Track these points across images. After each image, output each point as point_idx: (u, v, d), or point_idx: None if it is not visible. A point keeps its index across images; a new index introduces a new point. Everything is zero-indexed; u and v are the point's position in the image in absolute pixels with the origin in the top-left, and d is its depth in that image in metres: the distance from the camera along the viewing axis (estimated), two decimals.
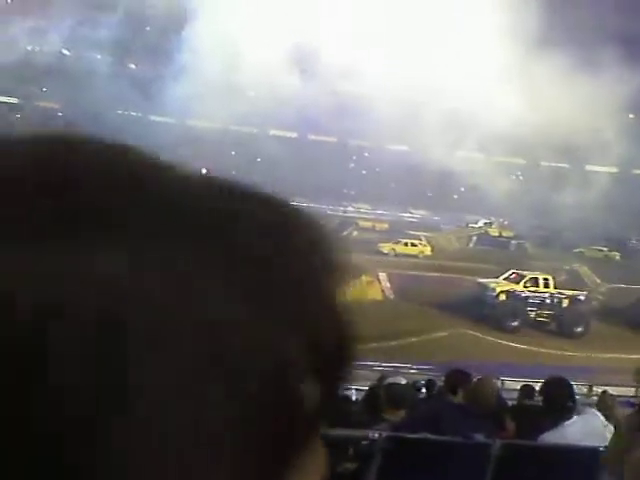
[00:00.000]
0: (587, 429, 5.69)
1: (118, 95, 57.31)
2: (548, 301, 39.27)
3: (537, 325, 38.92)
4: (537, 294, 39.28)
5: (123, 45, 60.33)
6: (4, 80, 56.30)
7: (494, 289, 39.26)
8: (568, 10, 53.19)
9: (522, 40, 52.33)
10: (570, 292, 39.93)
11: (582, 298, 39.88)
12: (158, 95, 57.87)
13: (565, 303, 39.39)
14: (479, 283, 40.41)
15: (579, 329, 38.42)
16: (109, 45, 59.94)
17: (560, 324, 38.48)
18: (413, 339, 34.11)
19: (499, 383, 20.67)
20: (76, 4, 57.65)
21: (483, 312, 37.57)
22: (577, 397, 6.33)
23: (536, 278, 40.01)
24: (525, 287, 39.37)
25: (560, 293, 39.64)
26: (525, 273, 40.98)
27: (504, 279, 40.33)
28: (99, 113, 56.30)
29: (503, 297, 39.00)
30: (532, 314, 39.20)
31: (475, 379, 6.19)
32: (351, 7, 58.40)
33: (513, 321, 37.87)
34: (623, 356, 32.94)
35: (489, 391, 6.00)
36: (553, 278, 40.77)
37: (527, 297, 39.08)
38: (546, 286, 39.68)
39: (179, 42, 61.32)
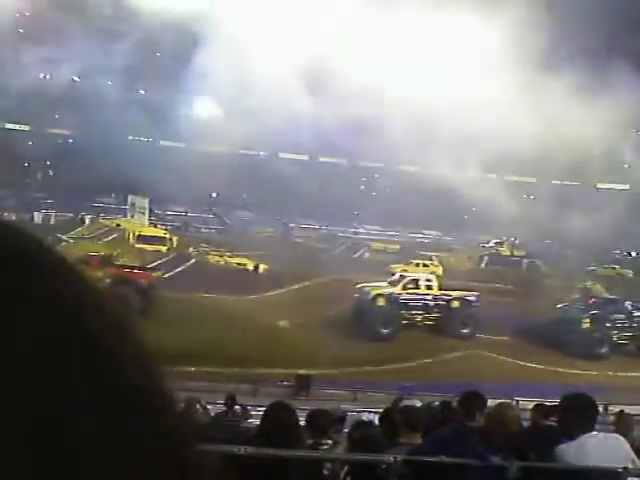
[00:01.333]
0: (608, 446, 5.65)
1: (129, 121, 57.62)
2: (432, 304, 37.84)
3: (422, 328, 37.84)
4: (418, 296, 37.90)
5: (133, 71, 60.72)
6: (16, 107, 56.75)
7: (369, 293, 38.21)
8: (577, 29, 53.23)
9: (532, 59, 52.41)
10: (457, 293, 38.52)
11: (472, 299, 38.50)
12: (168, 120, 58.16)
13: (455, 304, 38.06)
14: (361, 288, 39.41)
15: (466, 330, 37.36)
16: (120, 71, 60.33)
17: (447, 326, 37.29)
18: (427, 360, 34.03)
19: (514, 403, 20.62)
20: (86, 31, 58.16)
21: (362, 319, 36.68)
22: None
23: (416, 280, 38.82)
24: (405, 289, 38.11)
25: (446, 294, 38.24)
26: (410, 275, 39.79)
27: (388, 282, 39.21)
28: (110, 139, 56.65)
29: (381, 301, 37.77)
30: (418, 317, 37.91)
31: (496, 403, 6.16)
32: (362, 29, 58.71)
33: (385, 328, 36.56)
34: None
35: (511, 416, 5.96)
36: (437, 278, 39.66)
37: (407, 300, 37.76)
38: (429, 288, 38.30)
39: (189, 67, 61.71)
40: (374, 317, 36.81)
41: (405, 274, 41.24)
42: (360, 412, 9.24)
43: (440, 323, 38.13)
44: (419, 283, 38.98)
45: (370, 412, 9.44)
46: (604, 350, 37.61)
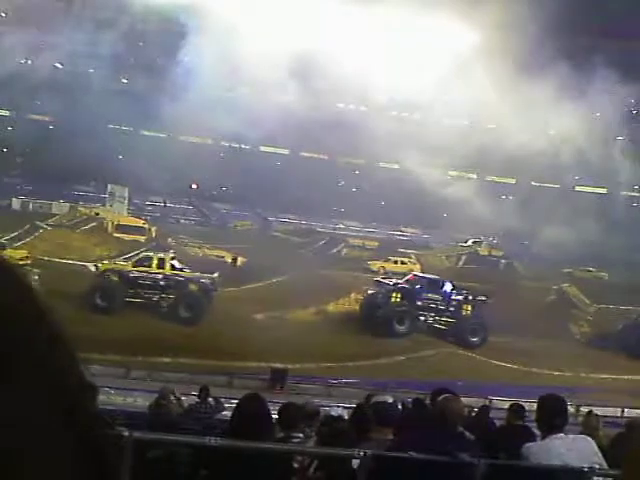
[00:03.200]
0: (574, 447, 5.71)
1: (110, 109, 57.32)
2: (162, 283, 36.40)
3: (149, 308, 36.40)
4: (150, 274, 36.43)
5: (117, 59, 60.42)
6: None
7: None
8: (560, 32, 53.48)
9: (515, 60, 52.60)
10: (190, 274, 37.02)
11: (206, 281, 36.83)
12: (150, 110, 57.89)
13: (193, 287, 36.51)
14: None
15: (188, 315, 35.54)
16: (103, 59, 60.01)
17: (178, 308, 35.87)
18: (401, 357, 34.16)
19: (487, 402, 20.75)
20: (70, 18, 57.79)
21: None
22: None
23: (150, 257, 37.63)
24: (135, 267, 36.72)
25: (177, 275, 36.76)
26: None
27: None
28: (91, 127, 56.34)
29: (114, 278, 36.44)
30: (152, 296, 36.37)
31: (439, 398, 6.22)
32: (346, 26, 58.67)
33: (103, 301, 34.82)
34: (611, 376, 33.09)
35: (454, 409, 6.02)
36: (172, 258, 37.87)
37: (137, 278, 36.27)
38: (161, 267, 36.80)
39: (172, 58, 61.47)
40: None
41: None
42: (331, 407, 9.22)
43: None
44: (152, 261, 37.61)
45: (339, 407, 9.45)
46: (403, 327, 36.96)
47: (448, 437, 5.85)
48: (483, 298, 38.63)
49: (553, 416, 5.76)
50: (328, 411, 8.73)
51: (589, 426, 10.37)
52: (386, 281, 39.98)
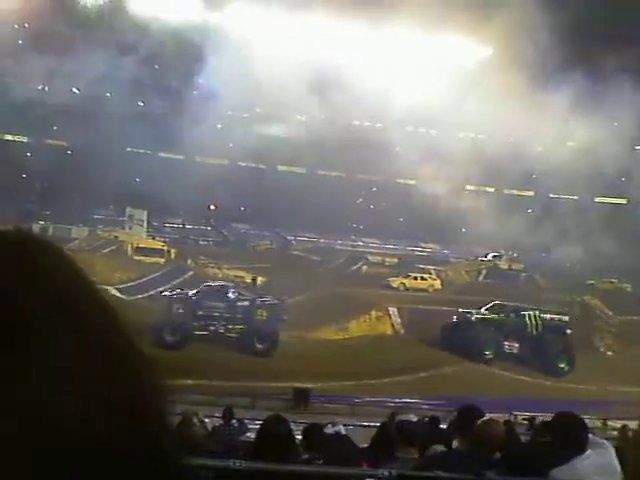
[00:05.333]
0: (600, 462, 5.60)
1: (128, 133, 57.63)
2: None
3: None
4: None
5: (132, 83, 60.79)
6: (15, 118, 56.71)
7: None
8: (573, 41, 53.36)
9: (528, 72, 52.55)
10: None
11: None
12: (167, 132, 58.21)
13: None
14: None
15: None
16: (119, 83, 60.42)
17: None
18: (423, 374, 33.94)
19: (512, 418, 20.53)
20: (86, 44, 58.22)
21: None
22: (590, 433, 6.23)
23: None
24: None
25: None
26: None
27: None
28: (109, 151, 56.64)
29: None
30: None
31: (479, 422, 6.11)
32: (362, 45, 58.96)
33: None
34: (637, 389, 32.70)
35: (496, 433, 5.92)
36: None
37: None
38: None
39: (189, 79, 61.85)
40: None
41: None
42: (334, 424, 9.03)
43: None
44: None
45: (331, 424, 9.12)
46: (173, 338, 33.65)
47: (480, 460, 5.75)
48: (277, 302, 37.09)
49: (574, 437, 5.66)
50: (329, 428, 8.62)
51: (625, 441, 10.20)
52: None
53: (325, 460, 6.64)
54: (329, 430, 8.32)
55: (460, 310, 38.69)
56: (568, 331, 38.83)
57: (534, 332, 38.10)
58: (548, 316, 39.02)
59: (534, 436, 9.47)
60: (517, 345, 37.93)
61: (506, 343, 37.80)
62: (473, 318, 38.00)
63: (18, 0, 58.53)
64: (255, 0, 58.52)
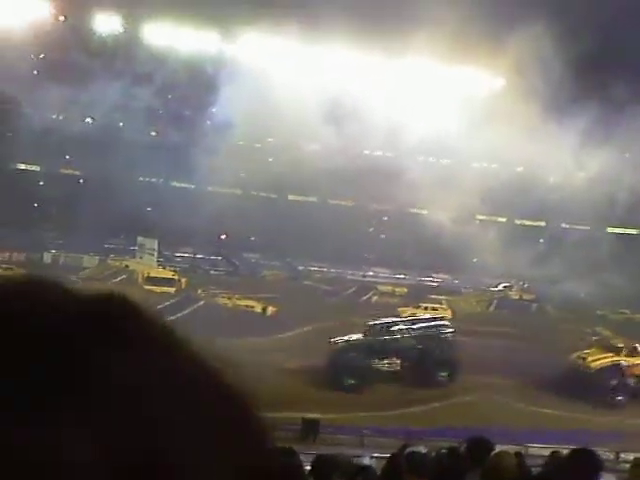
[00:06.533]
0: None
1: (140, 162, 57.91)
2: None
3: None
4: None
5: (145, 112, 61.19)
6: (27, 148, 57.12)
7: None
8: (585, 71, 53.51)
9: (540, 102, 52.69)
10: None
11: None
12: (179, 161, 58.49)
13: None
14: None
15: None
16: (131, 113, 60.84)
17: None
18: (436, 404, 33.73)
19: (523, 450, 20.35)
20: (100, 73, 58.74)
21: None
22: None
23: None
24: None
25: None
26: None
27: None
28: (121, 180, 56.88)
29: None
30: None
31: (494, 453, 6.04)
32: (373, 75, 59.31)
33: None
34: None
35: (508, 466, 5.85)
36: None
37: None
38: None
39: (201, 109, 62.21)
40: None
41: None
42: (361, 457, 9.03)
43: None
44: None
45: (369, 457, 9.19)
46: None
47: None
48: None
49: (587, 474, 5.59)
50: (359, 460, 8.58)
51: (636, 475, 10.03)
52: None
53: None
54: (364, 462, 8.27)
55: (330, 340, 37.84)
56: (447, 333, 38.05)
57: (408, 344, 37.17)
58: (423, 325, 38.35)
59: (546, 470, 9.37)
60: (399, 362, 37.30)
61: (386, 362, 37.09)
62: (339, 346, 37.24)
63: (34, 30, 59.20)
64: (269, 30, 58.98)
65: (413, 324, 39.15)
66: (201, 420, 0.60)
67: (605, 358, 38.59)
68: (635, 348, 39.07)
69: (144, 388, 0.57)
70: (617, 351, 39.32)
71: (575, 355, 39.18)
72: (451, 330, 38.79)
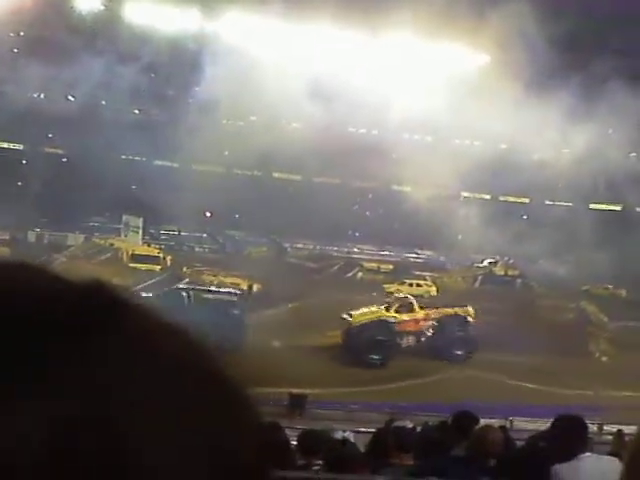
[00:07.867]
0: (601, 466, 5.62)
1: (123, 140, 57.61)
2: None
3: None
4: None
5: (127, 91, 60.78)
6: (9, 126, 56.69)
7: None
8: (569, 48, 53.53)
9: (524, 80, 52.70)
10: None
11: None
12: (163, 140, 58.22)
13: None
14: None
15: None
16: (114, 91, 60.44)
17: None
18: (418, 381, 33.94)
19: (508, 424, 20.55)
20: (81, 51, 58.28)
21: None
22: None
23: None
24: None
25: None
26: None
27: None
28: (104, 158, 56.57)
29: None
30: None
31: (478, 427, 6.13)
32: (358, 52, 59.10)
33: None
34: (633, 394, 32.74)
35: (494, 439, 5.93)
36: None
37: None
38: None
39: (184, 87, 61.85)
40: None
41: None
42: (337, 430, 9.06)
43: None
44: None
45: (346, 431, 9.26)
46: None
47: (476, 466, 5.77)
48: None
49: (577, 436, 5.68)
50: (334, 434, 8.63)
51: (620, 446, 10.19)
52: None
53: (325, 466, 6.61)
54: (337, 435, 8.32)
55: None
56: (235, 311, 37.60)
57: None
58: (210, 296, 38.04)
59: (529, 442, 9.48)
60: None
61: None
62: None
63: (13, 8, 58.56)
64: (252, 9, 58.63)
65: None
66: (180, 403, 0.58)
67: (371, 314, 38.90)
68: (411, 303, 39.36)
69: (108, 375, 0.55)
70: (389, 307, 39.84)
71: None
72: None
